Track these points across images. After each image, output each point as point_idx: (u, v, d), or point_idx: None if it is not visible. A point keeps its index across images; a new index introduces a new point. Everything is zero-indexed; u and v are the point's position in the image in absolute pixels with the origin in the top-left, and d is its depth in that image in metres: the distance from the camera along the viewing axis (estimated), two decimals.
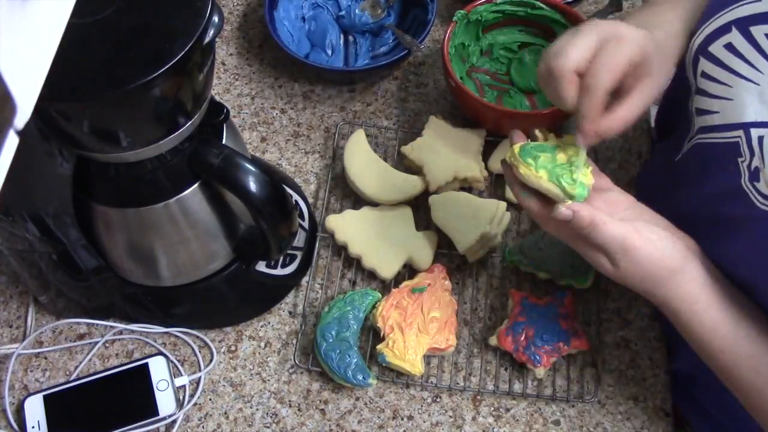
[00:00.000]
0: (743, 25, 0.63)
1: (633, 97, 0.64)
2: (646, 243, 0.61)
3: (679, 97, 0.75)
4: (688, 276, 0.63)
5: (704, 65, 0.67)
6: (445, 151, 0.89)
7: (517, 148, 0.66)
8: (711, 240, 0.65)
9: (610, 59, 0.61)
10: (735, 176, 0.62)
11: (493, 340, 0.79)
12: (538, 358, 0.76)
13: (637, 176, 0.91)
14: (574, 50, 0.62)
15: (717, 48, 0.65)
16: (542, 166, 0.64)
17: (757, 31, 0.62)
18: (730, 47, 0.64)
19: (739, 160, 0.62)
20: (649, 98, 0.65)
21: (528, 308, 0.78)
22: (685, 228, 0.66)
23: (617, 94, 0.64)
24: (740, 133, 0.62)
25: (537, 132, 0.69)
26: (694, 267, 0.63)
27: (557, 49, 0.63)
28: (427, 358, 0.80)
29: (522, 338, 0.77)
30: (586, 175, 0.64)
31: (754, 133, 0.61)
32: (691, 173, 0.71)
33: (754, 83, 0.62)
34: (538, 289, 0.84)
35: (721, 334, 0.63)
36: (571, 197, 0.62)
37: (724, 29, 0.64)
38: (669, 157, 0.77)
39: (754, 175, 0.60)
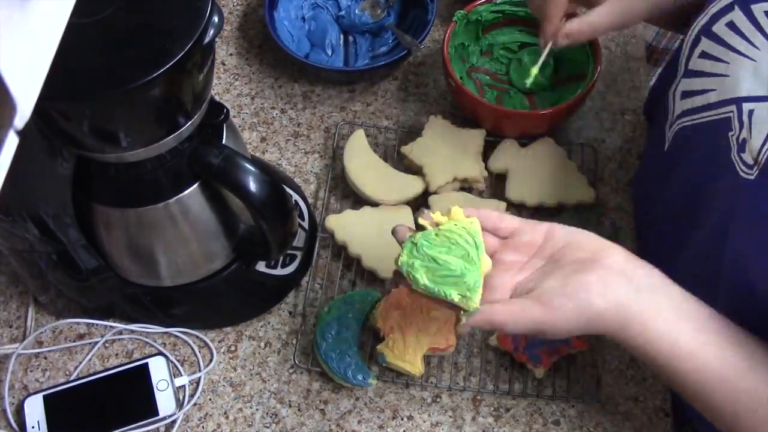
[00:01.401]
0: (745, 3, 0.63)
1: (603, 6, 0.71)
2: (558, 313, 0.56)
3: (661, 90, 0.76)
4: (621, 310, 0.57)
5: (704, 45, 0.67)
6: (445, 151, 0.89)
7: (405, 252, 0.59)
8: (709, 227, 0.64)
9: None
10: (725, 150, 0.61)
11: (493, 340, 0.79)
12: (538, 357, 0.76)
13: (631, 185, 0.91)
14: None
15: (719, 27, 0.65)
16: (426, 271, 0.58)
17: (758, 8, 0.62)
18: (731, 25, 0.64)
19: (730, 134, 0.61)
20: (617, 8, 0.72)
21: None
22: (685, 219, 0.65)
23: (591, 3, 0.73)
24: (733, 108, 0.62)
25: (423, 220, 0.61)
26: (618, 273, 0.58)
27: None
28: (427, 358, 0.79)
29: (522, 338, 0.77)
30: (479, 264, 0.59)
31: (746, 107, 0.60)
32: (682, 158, 0.71)
33: (751, 59, 0.62)
34: None
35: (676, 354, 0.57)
36: (465, 310, 0.58)
37: (727, 8, 0.65)
38: (658, 153, 0.77)
39: (741, 147, 0.60)
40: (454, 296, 0.57)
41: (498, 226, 0.62)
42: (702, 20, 0.67)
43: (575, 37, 0.74)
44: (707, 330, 0.57)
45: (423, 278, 0.58)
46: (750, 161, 0.59)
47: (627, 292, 0.57)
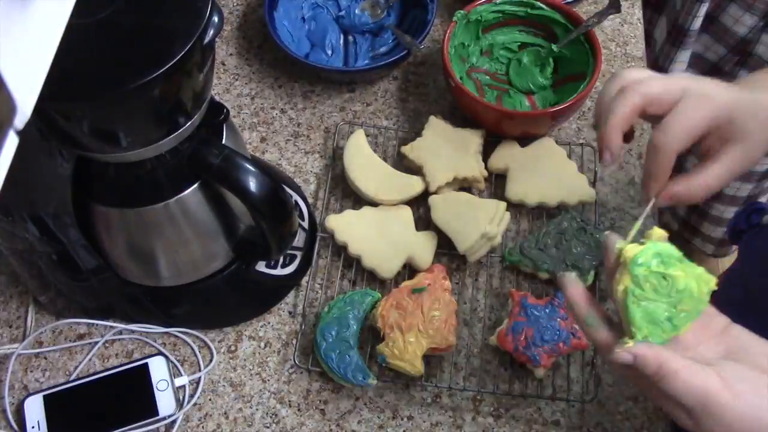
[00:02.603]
0: None
1: (717, 163, 0.57)
2: (735, 398, 0.48)
3: None
4: None
5: None
6: (445, 151, 0.89)
7: (637, 252, 0.52)
8: None
9: (685, 117, 0.55)
10: None
11: (492, 340, 0.79)
12: (537, 358, 0.76)
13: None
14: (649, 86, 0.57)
15: None
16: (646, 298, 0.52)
17: None
18: None
19: None
20: (736, 166, 0.57)
21: (528, 308, 0.78)
22: None
23: (703, 157, 0.58)
24: None
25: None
26: None
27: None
28: (427, 358, 0.79)
29: (522, 338, 0.77)
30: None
31: None
32: None
33: None
34: (538, 289, 0.84)
35: None
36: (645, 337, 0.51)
37: None
38: None
39: None
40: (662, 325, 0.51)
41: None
42: None
43: (683, 200, 0.59)
44: None
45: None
46: None
47: None
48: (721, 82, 0.59)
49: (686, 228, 1.41)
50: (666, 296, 0.52)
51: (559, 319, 0.77)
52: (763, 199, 1.29)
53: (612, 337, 0.53)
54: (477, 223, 0.83)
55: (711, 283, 0.53)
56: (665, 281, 0.52)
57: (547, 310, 0.78)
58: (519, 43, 0.98)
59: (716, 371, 0.49)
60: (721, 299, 0.56)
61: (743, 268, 0.81)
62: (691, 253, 0.64)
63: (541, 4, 0.94)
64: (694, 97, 0.56)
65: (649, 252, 0.51)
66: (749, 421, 0.48)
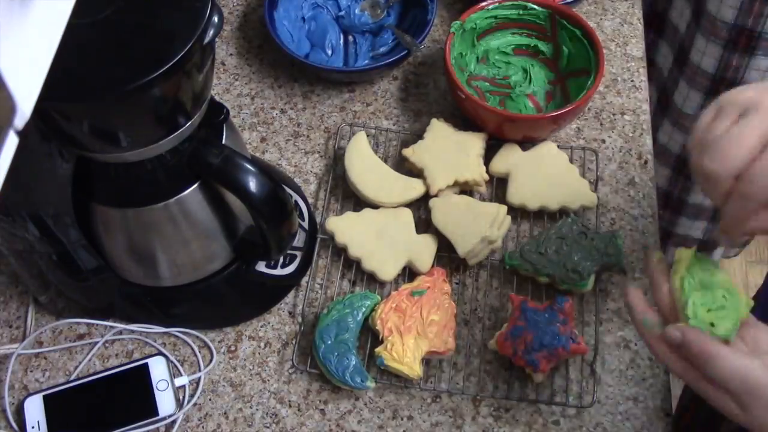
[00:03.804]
0: None
1: None
2: None
3: None
4: None
5: None
6: (446, 154, 0.89)
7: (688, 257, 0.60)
8: None
9: None
10: None
11: (491, 344, 0.79)
12: (536, 362, 0.75)
13: None
14: (734, 149, 0.50)
15: None
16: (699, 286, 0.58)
17: None
18: None
19: None
20: None
21: (527, 312, 0.77)
22: None
23: None
24: None
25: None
26: None
27: (711, 141, 0.51)
28: (426, 360, 0.79)
29: (521, 343, 0.76)
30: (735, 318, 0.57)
31: None
32: None
33: None
34: (537, 292, 0.84)
35: None
36: (711, 329, 0.55)
37: None
38: None
39: None
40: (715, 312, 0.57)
41: None
42: None
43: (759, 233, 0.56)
44: None
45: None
46: None
47: None
48: None
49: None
50: (712, 292, 0.58)
51: (558, 324, 0.77)
52: None
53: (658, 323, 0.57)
54: (478, 226, 0.83)
55: (749, 302, 0.58)
56: (712, 277, 0.59)
57: (546, 315, 0.77)
58: (513, 46, 0.98)
59: (762, 360, 0.51)
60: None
61: None
62: None
63: (533, 5, 0.94)
64: None
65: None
66: None
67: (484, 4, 0.94)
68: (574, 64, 0.94)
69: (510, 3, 0.94)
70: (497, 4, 0.94)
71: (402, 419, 0.78)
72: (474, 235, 0.82)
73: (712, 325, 0.56)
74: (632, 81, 1.00)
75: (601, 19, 1.06)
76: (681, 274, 0.59)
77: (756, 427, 0.51)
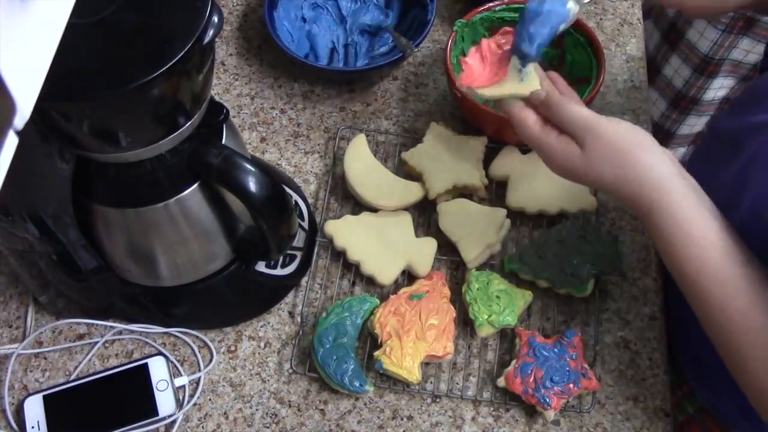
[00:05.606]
0: None
1: None
2: (609, 121, 0.63)
3: None
4: (658, 156, 0.62)
5: None
6: (446, 158, 0.89)
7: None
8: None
9: None
10: None
11: (501, 382, 0.77)
12: (548, 400, 0.74)
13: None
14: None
15: None
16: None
17: None
18: None
19: None
20: None
21: (536, 348, 0.77)
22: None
23: None
24: None
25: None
26: (663, 151, 0.63)
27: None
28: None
29: (531, 380, 0.75)
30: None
31: None
32: None
33: None
34: (537, 294, 0.84)
35: (694, 234, 0.60)
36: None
37: None
38: None
39: None
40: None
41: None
42: None
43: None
44: (725, 226, 0.61)
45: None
46: None
47: (670, 168, 0.61)
48: None
49: None
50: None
51: (568, 359, 0.76)
52: None
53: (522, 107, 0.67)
54: (484, 232, 0.83)
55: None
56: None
57: (556, 350, 0.77)
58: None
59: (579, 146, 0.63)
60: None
61: None
62: None
63: None
64: None
65: None
66: (621, 133, 0.62)
67: (491, 4, 0.93)
68: (576, 72, 0.94)
69: (518, 5, 0.93)
70: (504, 5, 0.93)
71: (402, 419, 0.78)
72: (481, 241, 0.82)
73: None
74: (632, 81, 1.00)
75: (601, 19, 1.06)
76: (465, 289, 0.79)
77: (589, 166, 0.62)
